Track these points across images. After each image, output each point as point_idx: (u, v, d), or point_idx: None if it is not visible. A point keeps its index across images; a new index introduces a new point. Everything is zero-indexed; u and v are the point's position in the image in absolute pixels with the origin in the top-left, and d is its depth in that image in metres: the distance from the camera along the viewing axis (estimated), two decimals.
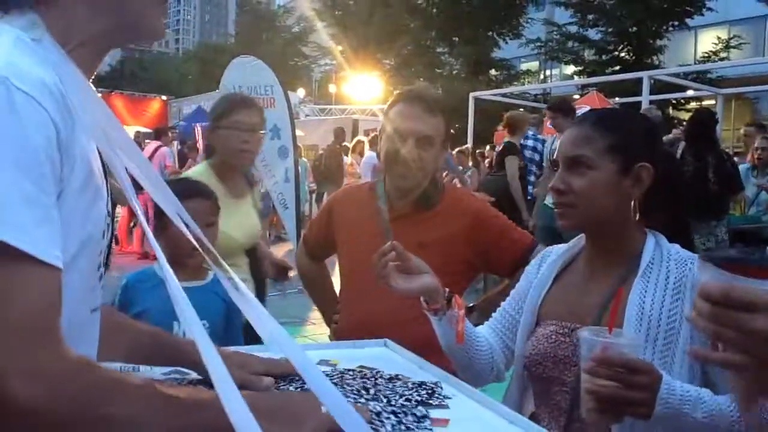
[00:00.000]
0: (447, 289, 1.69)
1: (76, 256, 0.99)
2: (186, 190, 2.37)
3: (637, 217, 1.62)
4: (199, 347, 0.95)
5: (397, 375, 1.50)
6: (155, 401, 0.96)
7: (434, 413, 1.26)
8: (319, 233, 2.53)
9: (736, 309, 0.92)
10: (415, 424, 1.21)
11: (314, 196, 14.42)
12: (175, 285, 0.99)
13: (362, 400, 1.33)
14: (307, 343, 6.09)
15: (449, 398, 1.36)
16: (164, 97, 23.98)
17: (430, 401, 1.32)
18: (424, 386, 1.41)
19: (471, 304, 2.57)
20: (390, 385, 1.42)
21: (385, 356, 1.68)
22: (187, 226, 1.19)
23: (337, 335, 2.40)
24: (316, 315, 7.24)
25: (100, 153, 1.08)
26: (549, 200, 4.80)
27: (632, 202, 1.61)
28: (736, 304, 0.93)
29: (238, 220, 2.80)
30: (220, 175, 2.86)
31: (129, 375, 1.01)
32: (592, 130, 1.63)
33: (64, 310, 0.92)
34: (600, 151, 1.60)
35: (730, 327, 0.93)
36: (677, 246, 1.63)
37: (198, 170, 3.00)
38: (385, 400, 1.32)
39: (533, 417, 1.71)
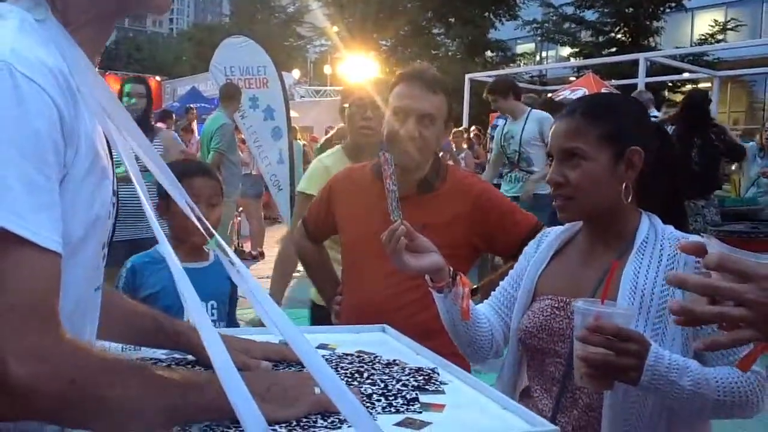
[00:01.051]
0: (452, 268, 1.71)
1: (84, 237, 1.01)
2: (189, 169, 2.38)
3: (630, 199, 1.64)
4: (199, 329, 0.96)
5: (394, 360, 1.50)
6: (151, 383, 0.98)
7: (430, 398, 1.27)
8: (319, 215, 2.52)
9: (731, 273, 1.00)
10: (405, 406, 1.22)
11: None
12: (177, 267, 1.01)
13: (355, 383, 1.33)
14: (305, 325, 6.10)
15: (446, 384, 1.36)
16: (158, 78, 23.88)
17: (427, 387, 1.32)
18: (421, 372, 1.41)
19: (474, 286, 2.57)
20: (386, 370, 1.42)
21: (383, 341, 1.69)
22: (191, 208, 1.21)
23: (339, 317, 2.41)
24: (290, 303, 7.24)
25: (104, 134, 1.08)
26: (544, 190, 4.77)
27: (624, 184, 1.63)
28: (731, 271, 1.00)
29: None
30: (352, 158, 2.86)
31: (125, 357, 1.03)
32: (583, 120, 1.65)
33: (71, 289, 0.95)
34: (592, 142, 1.63)
35: (728, 293, 1.00)
36: (671, 226, 1.67)
37: (332, 154, 3.06)
38: (382, 384, 1.33)
39: (526, 391, 1.77)
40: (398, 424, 1.14)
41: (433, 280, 1.70)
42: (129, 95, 4.86)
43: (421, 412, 1.20)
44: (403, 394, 1.27)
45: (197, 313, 0.99)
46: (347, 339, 1.68)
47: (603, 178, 1.63)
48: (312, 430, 1.09)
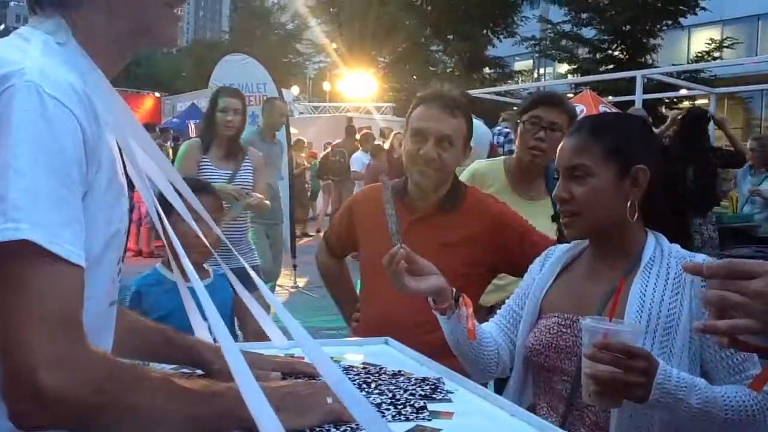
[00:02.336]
0: (454, 289, 1.72)
1: (102, 252, 1.05)
2: (194, 186, 2.40)
3: (636, 217, 1.66)
4: (220, 340, 1.00)
5: (400, 371, 1.53)
6: (176, 392, 1.01)
7: (438, 407, 1.30)
8: (340, 231, 2.56)
9: (739, 278, 1.07)
10: (414, 414, 1.25)
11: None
12: (199, 285, 1.06)
13: (363, 393, 1.35)
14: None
15: (452, 392, 1.39)
16: (158, 94, 23.92)
17: (434, 395, 1.35)
18: (427, 381, 1.44)
19: (490, 305, 2.58)
20: (393, 380, 1.45)
21: (387, 353, 1.72)
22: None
23: (357, 333, 2.43)
24: (316, 313, 7.26)
25: (120, 152, 1.12)
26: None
27: (629, 202, 1.65)
28: (738, 275, 1.07)
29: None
30: (509, 174, 2.88)
31: (148, 368, 1.07)
32: (589, 137, 1.68)
33: (90, 303, 0.97)
34: (597, 158, 1.65)
35: (736, 293, 1.06)
36: (677, 245, 1.68)
37: (492, 163, 3.04)
38: (390, 394, 1.36)
39: (531, 408, 1.76)
40: (409, 431, 1.17)
41: (436, 302, 1.72)
42: (224, 110, 4.19)
43: (430, 420, 1.23)
44: (412, 402, 1.30)
45: (218, 326, 1.02)
46: (350, 352, 1.71)
47: (608, 194, 1.64)
48: None
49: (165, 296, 2.24)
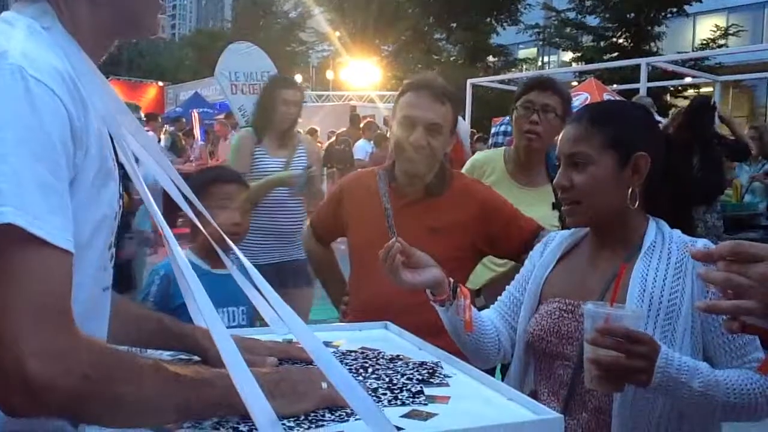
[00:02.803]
0: (452, 280, 1.72)
1: (91, 238, 1.03)
2: (222, 176, 2.45)
3: (636, 204, 1.65)
4: (210, 327, 0.99)
5: (398, 355, 1.52)
6: (165, 379, 0.99)
7: (435, 391, 1.30)
8: (327, 217, 2.57)
9: (744, 261, 1.07)
10: (411, 399, 1.25)
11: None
12: (189, 272, 1.06)
13: (360, 378, 1.36)
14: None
15: (450, 377, 1.38)
16: (161, 83, 23.93)
17: (431, 380, 1.35)
18: (425, 366, 1.44)
19: (478, 287, 2.58)
20: (390, 365, 1.45)
21: (386, 338, 1.71)
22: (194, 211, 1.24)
23: (346, 317, 2.44)
24: (319, 302, 7.26)
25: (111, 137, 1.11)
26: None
27: (630, 190, 1.65)
28: (745, 257, 1.07)
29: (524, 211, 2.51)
30: (508, 163, 2.90)
31: (138, 355, 1.06)
32: (589, 125, 1.68)
33: (80, 289, 0.96)
34: (598, 146, 1.65)
35: (741, 275, 1.07)
36: (678, 231, 1.68)
37: (491, 153, 3.08)
38: (387, 379, 1.35)
39: (532, 394, 1.76)
40: (405, 416, 1.16)
41: (434, 294, 1.71)
42: (286, 103, 4.03)
43: (426, 404, 1.22)
44: (408, 387, 1.30)
45: (208, 312, 1.01)
46: (350, 336, 1.70)
47: (608, 182, 1.64)
48: (320, 423, 1.11)
49: None
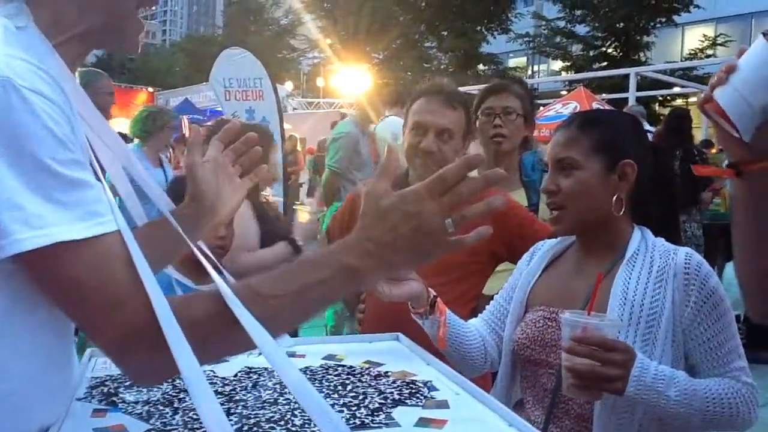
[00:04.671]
0: (432, 294, 1.72)
1: None
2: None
3: (622, 212, 1.66)
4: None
5: (387, 372, 1.51)
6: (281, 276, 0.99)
7: (434, 414, 1.26)
8: (342, 226, 2.58)
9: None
10: (369, 417, 1.23)
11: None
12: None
13: (335, 396, 1.34)
14: (313, 332, 6.07)
15: (432, 398, 1.35)
16: (151, 89, 23.86)
17: (407, 401, 1.32)
18: (411, 385, 1.41)
19: (495, 293, 2.63)
20: (373, 382, 1.43)
21: (395, 351, 1.70)
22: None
23: (362, 326, 2.45)
24: None
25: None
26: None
27: (615, 197, 1.66)
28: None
29: None
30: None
31: None
32: (578, 131, 1.69)
33: None
34: (585, 152, 1.66)
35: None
36: (661, 239, 1.69)
37: None
38: (361, 397, 1.34)
39: (520, 403, 1.78)
40: None
41: (414, 307, 1.72)
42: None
43: (386, 424, 1.20)
44: (367, 404, 1.29)
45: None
46: (359, 349, 1.69)
47: (594, 187, 1.66)
48: None
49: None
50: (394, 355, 1.65)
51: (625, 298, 1.60)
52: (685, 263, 1.59)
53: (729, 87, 1.17)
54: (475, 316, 1.96)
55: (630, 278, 1.62)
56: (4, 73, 0.90)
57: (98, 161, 1.16)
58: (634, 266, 1.63)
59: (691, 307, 1.56)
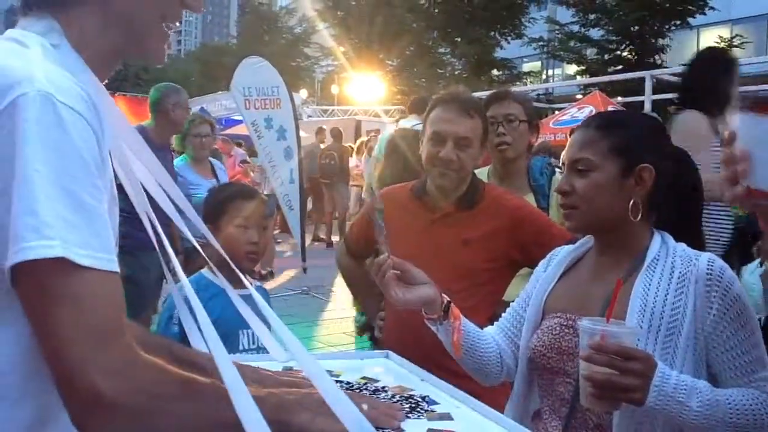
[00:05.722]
0: (446, 300, 1.71)
1: None
2: (241, 193, 2.41)
3: (639, 216, 1.63)
4: (213, 353, 1.01)
5: (384, 387, 1.51)
6: (223, 396, 1.00)
7: (440, 425, 1.27)
8: (360, 233, 2.62)
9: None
10: (380, 430, 1.21)
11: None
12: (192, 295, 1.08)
13: None
14: (313, 344, 6.12)
15: (433, 411, 1.36)
16: None
17: (410, 415, 1.32)
18: (410, 399, 1.41)
19: (512, 300, 2.65)
20: (374, 396, 1.43)
21: (387, 368, 1.69)
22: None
23: (384, 334, 2.47)
24: (324, 315, 7.28)
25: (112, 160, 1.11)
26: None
27: (631, 201, 1.62)
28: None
29: None
30: (497, 179, 2.92)
31: (192, 374, 1.04)
32: (596, 132, 1.67)
33: None
34: (602, 153, 1.63)
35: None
36: (683, 244, 1.65)
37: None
38: None
39: (537, 414, 1.75)
40: None
41: (427, 312, 1.70)
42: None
43: None
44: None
45: (209, 334, 1.04)
46: (350, 366, 1.69)
47: (609, 189, 1.62)
48: None
49: (212, 301, 2.18)
50: (387, 371, 1.64)
51: (645, 305, 1.56)
52: (708, 269, 1.55)
53: (758, 170, 1.11)
54: (493, 323, 1.94)
55: (650, 284, 1.58)
56: (46, 88, 0.93)
57: (120, 178, 1.17)
58: (654, 272, 1.59)
59: (714, 314, 1.51)
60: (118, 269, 0.95)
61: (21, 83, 0.93)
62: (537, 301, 1.78)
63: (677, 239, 1.67)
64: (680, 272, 1.58)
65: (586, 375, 1.39)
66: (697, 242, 1.70)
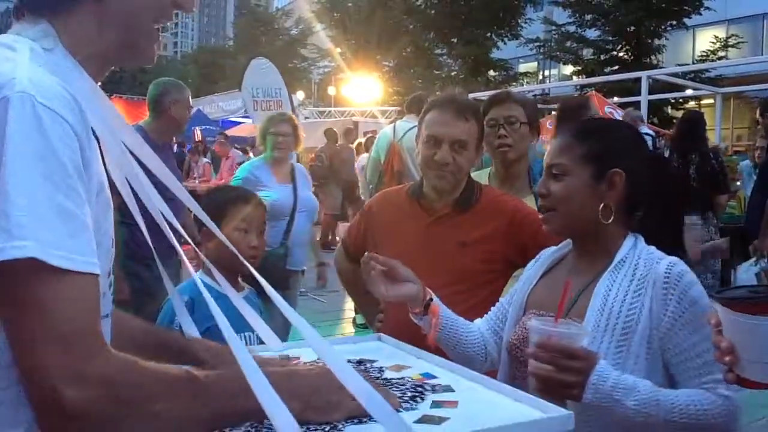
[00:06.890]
0: (429, 296, 1.83)
1: None
2: (239, 197, 2.41)
3: (611, 219, 1.70)
4: (232, 345, 1.01)
5: (381, 367, 1.53)
6: (199, 392, 1.00)
7: (442, 396, 1.32)
8: (358, 236, 2.61)
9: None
10: (411, 401, 1.28)
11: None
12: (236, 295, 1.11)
13: None
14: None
15: (445, 392, 1.37)
16: None
17: (423, 395, 1.34)
18: (416, 389, 1.41)
19: None
20: (382, 381, 1.43)
21: (382, 349, 1.73)
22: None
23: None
24: (322, 317, 7.29)
25: (105, 161, 1.12)
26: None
27: (602, 205, 1.70)
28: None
29: None
30: (498, 181, 2.91)
31: (170, 368, 1.04)
32: (572, 139, 1.76)
33: None
34: (576, 159, 1.73)
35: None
36: (653, 247, 1.72)
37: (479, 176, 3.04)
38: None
39: None
40: (418, 421, 1.18)
41: (411, 308, 1.83)
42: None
43: (441, 407, 1.25)
44: (404, 392, 1.34)
45: (228, 333, 1.05)
46: (346, 349, 1.71)
47: (582, 194, 1.71)
48: (338, 428, 1.13)
49: (207, 307, 2.16)
50: (383, 352, 1.69)
51: (605, 305, 1.63)
52: (666, 272, 1.60)
53: (743, 364, 1.22)
54: None
55: (612, 285, 1.65)
56: (28, 90, 0.93)
57: (114, 179, 1.17)
58: (618, 273, 1.67)
59: (669, 316, 1.57)
60: (96, 271, 0.94)
61: (3, 87, 0.93)
62: (519, 298, 1.88)
63: (661, 242, 1.73)
64: (641, 274, 1.64)
65: (531, 371, 1.48)
66: (676, 243, 1.79)
